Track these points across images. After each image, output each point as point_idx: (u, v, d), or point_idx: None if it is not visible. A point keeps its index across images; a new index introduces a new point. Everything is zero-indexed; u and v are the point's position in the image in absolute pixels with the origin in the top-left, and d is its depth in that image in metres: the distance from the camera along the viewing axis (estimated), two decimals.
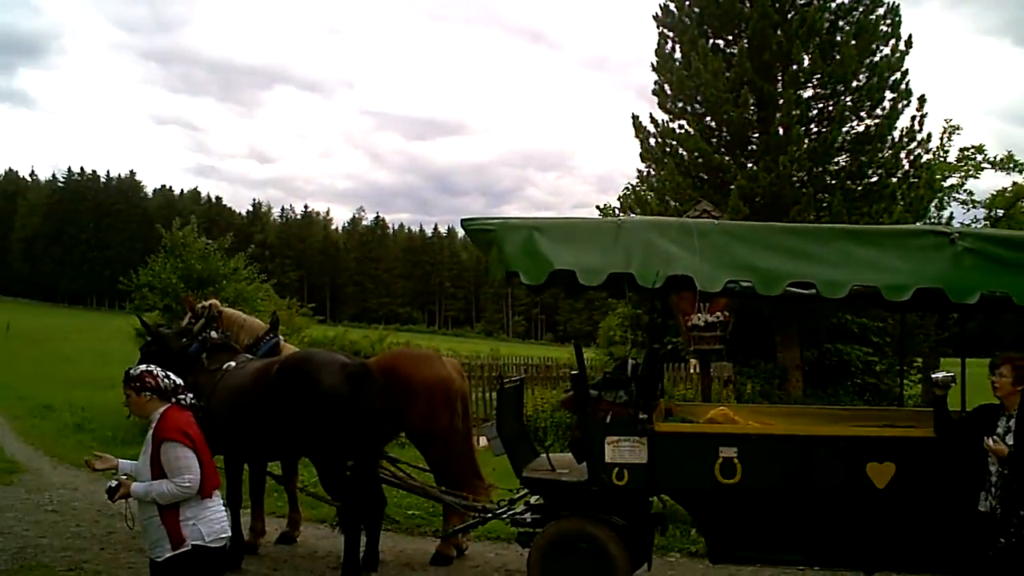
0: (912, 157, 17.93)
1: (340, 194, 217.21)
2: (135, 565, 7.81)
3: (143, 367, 5.05)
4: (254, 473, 8.60)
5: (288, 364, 7.20)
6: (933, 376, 5.93)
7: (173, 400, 4.94)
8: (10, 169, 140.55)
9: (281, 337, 9.31)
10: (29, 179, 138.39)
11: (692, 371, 15.40)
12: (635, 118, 19.29)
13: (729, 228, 6.09)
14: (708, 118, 18.24)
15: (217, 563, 4.96)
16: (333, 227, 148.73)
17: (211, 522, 4.81)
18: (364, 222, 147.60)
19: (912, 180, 17.78)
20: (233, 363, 7.86)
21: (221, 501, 5.02)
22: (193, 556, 4.71)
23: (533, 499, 7.31)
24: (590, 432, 6.34)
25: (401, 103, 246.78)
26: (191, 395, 5.10)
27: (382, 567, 7.52)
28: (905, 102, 17.62)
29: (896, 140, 17.70)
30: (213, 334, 8.19)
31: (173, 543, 4.68)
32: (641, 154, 19.49)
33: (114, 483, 4.81)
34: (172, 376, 5.01)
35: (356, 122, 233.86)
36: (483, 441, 9.38)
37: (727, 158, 17.89)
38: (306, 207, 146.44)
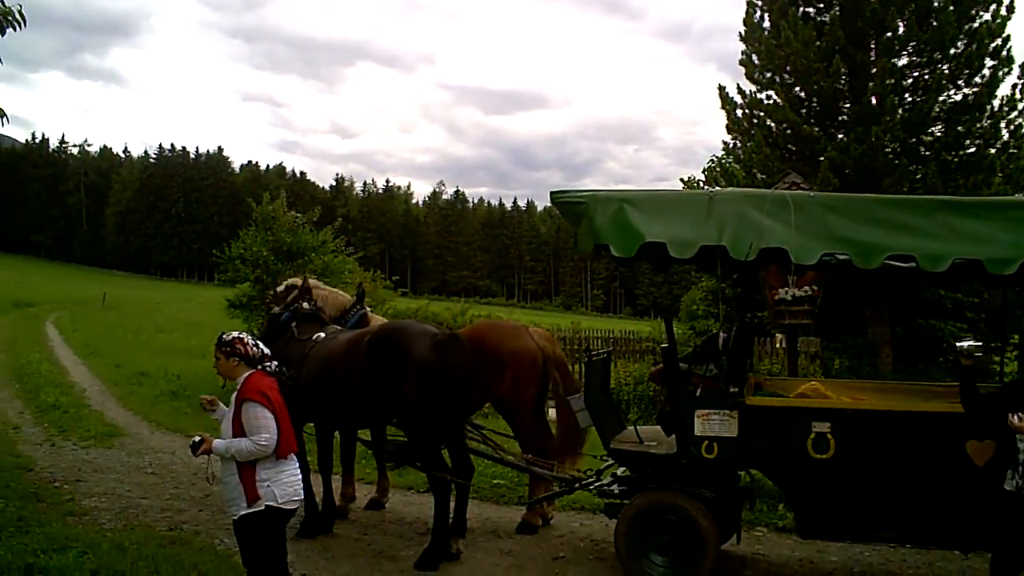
0: (1012, 127, 17.18)
1: (420, 168, 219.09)
2: (232, 527, 8.09)
3: (235, 334, 5.31)
4: (345, 440, 8.83)
5: (379, 334, 7.32)
6: (959, 345, 5.69)
7: (259, 367, 5.19)
8: (105, 147, 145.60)
9: (368, 308, 9.47)
10: (122, 156, 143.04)
11: (778, 345, 15.16)
12: (722, 89, 18.92)
13: (825, 200, 5.95)
14: (797, 88, 17.77)
15: (284, 525, 5.17)
16: (414, 201, 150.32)
17: (285, 485, 5.03)
18: (444, 196, 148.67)
19: (1012, 151, 17.05)
20: (323, 334, 8.02)
21: (297, 466, 5.22)
22: (266, 516, 4.96)
23: (620, 471, 7.34)
24: (680, 405, 6.32)
25: (479, 77, 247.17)
26: (276, 363, 5.32)
27: (469, 534, 7.63)
28: (1006, 69, 16.83)
29: (995, 109, 16.94)
30: (304, 305, 8.37)
31: (248, 501, 4.94)
32: (727, 125, 19.12)
33: (197, 438, 5.09)
34: (260, 345, 5.28)
35: (435, 96, 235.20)
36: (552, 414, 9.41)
37: (817, 129, 17.42)
38: (387, 181, 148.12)
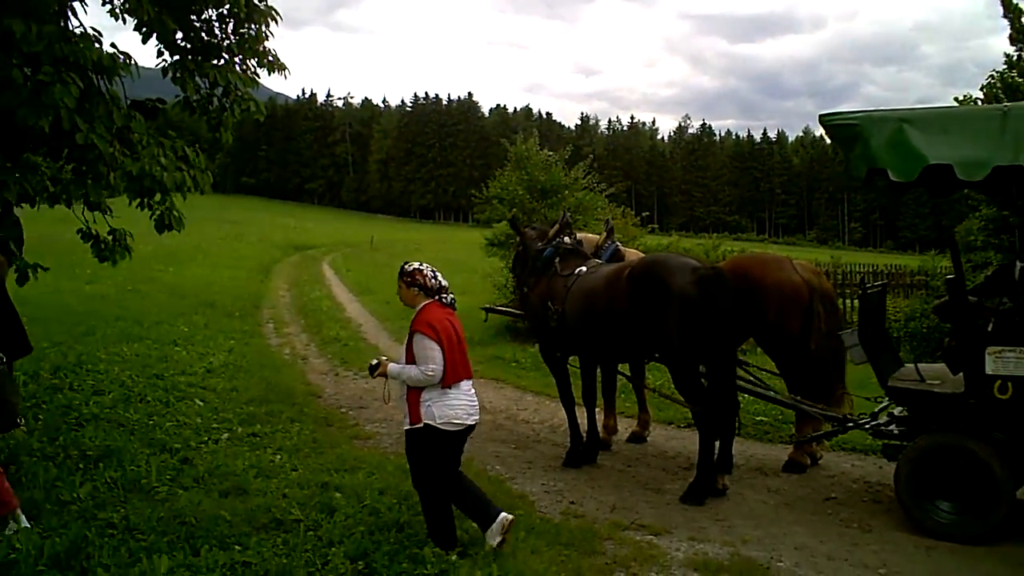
0: None
1: (663, 103, 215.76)
2: (501, 454, 8.48)
3: (415, 265, 5.63)
4: (606, 374, 8.94)
5: (640, 268, 7.28)
6: None
7: (436, 298, 5.51)
8: (366, 98, 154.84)
9: (619, 243, 9.47)
10: (382, 105, 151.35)
11: None
12: None
13: None
14: None
15: (447, 444, 5.46)
16: (659, 137, 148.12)
17: (444, 407, 5.37)
18: (690, 130, 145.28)
19: None
20: (584, 268, 8.10)
21: (467, 391, 5.54)
22: (425, 433, 5.37)
23: (897, 410, 6.93)
24: (968, 341, 5.84)
25: (723, 3, 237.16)
26: (452, 296, 5.62)
27: (734, 471, 7.52)
28: None
29: None
30: (566, 240, 8.49)
31: (412, 419, 5.40)
32: (1011, 36, 17.15)
33: (375, 361, 5.66)
34: (439, 277, 5.60)
35: (677, 27, 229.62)
36: None
37: None
38: (632, 118, 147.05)
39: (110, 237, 6.46)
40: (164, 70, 7.24)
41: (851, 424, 7.17)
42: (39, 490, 6.35)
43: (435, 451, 5.44)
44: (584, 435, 8.26)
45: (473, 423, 5.59)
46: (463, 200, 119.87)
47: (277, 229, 62.55)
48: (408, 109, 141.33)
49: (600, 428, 8.55)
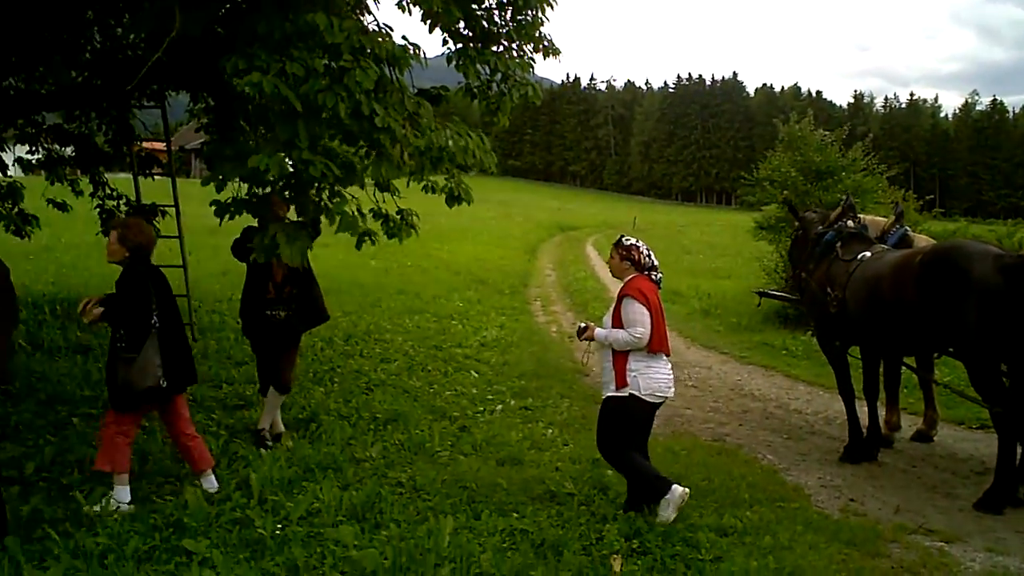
0: None
1: (946, 78, 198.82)
2: (773, 443, 8.22)
3: (633, 240, 5.78)
4: (889, 366, 8.41)
5: (934, 254, 6.74)
6: None
7: (645, 272, 5.66)
8: (628, 80, 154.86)
9: (908, 228, 8.84)
10: (644, 88, 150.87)
11: None
12: None
13: None
14: None
15: (645, 415, 5.63)
16: (941, 115, 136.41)
17: (650, 379, 5.50)
18: (977, 107, 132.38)
19: None
20: (868, 253, 7.64)
21: (668, 366, 5.65)
22: (628, 401, 5.51)
23: None
24: None
25: None
26: (661, 275, 5.75)
27: None
28: None
29: None
30: (849, 223, 8.04)
31: (617, 385, 5.52)
32: None
33: (582, 325, 5.84)
34: (652, 256, 5.73)
35: None
36: None
37: None
38: (911, 95, 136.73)
39: (398, 216, 6.88)
40: (448, 58, 7.60)
41: None
42: (336, 447, 6.97)
43: (633, 419, 5.60)
44: (864, 430, 7.81)
45: (671, 396, 5.74)
46: (726, 183, 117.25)
47: (542, 210, 64.28)
48: (671, 90, 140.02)
49: (881, 423, 8.06)
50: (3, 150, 11.47)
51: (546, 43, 8.02)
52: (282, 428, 7.38)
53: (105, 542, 4.83)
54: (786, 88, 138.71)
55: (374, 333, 12.03)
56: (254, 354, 7.60)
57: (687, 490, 5.55)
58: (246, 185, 5.96)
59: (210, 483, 5.85)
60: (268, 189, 5.87)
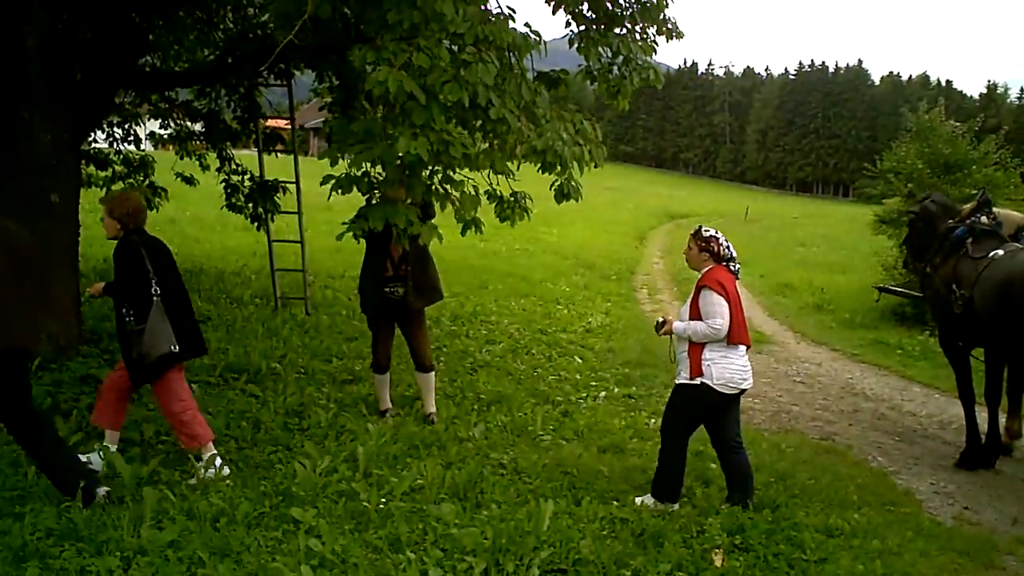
0: None
1: None
2: (884, 445, 7.97)
3: (712, 231, 5.68)
4: (1015, 370, 8.00)
5: None
6: None
7: (724, 263, 5.58)
8: (747, 67, 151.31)
9: None
10: (763, 75, 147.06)
11: None
12: None
13: None
14: None
15: (717, 405, 5.56)
16: None
17: (724, 369, 5.43)
18: None
19: None
20: (1001, 251, 7.27)
21: (745, 356, 5.56)
22: (700, 390, 5.46)
23: None
24: None
25: None
26: (739, 266, 5.66)
27: None
28: None
29: None
30: (983, 219, 7.67)
31: (691, 372, 5.47)
32: None
33: (661, 319, 5.78)
34: (731, 248, 5.64)
35: None
36: None
37: None
38: None
39: (512, 199, 6.90)
40: (569, 41, 7.58)
41: None
42: (441, 423, 7.08)
43: (701, 408, 5.58)
44: (982, 436, 7.48)
45: (747, 387, 5.63)
46: (844, 174, 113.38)
47: (652, 197, 63.61)
48: (791, 78, 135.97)
49: (1002, 430, 7.69)
50: (138, 124, 12.04)
51: (669, 26, 7.92)
52: (389, 404, 7.54)
53: (219, 504, 5.05)
54: (914, 77, 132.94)
55: (480, 315, 12.15)
56: (370, 331, 7.76)
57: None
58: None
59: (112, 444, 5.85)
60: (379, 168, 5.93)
